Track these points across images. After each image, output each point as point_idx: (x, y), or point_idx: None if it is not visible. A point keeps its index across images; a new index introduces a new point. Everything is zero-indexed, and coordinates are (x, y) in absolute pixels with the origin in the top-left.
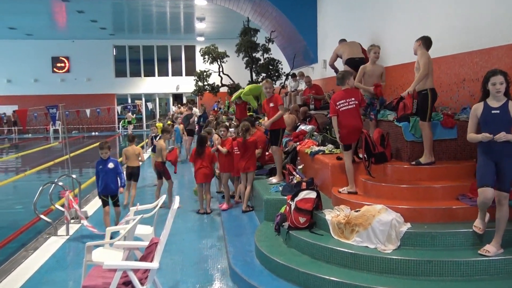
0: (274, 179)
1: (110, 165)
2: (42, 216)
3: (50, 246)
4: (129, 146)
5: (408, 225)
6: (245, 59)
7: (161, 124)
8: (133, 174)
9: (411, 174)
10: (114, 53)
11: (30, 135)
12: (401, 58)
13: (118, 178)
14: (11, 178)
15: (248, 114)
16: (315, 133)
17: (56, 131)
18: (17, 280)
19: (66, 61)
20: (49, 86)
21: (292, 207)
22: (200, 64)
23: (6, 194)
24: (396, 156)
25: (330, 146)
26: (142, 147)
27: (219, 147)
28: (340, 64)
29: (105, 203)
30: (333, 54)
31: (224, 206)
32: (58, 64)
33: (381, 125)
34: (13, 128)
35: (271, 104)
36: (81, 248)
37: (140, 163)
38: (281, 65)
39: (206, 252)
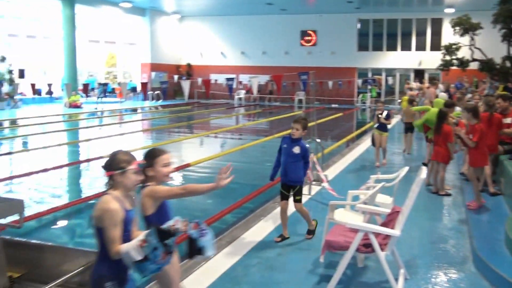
0: None
1: (296, 149)
2: None
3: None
4: None
5: None
6: (503, 31)
7: (406, 98)
8: None
9: None
10: (358, 27)
11: (278, 103)
12: None
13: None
14: (261, 139)
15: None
16: None
17: (300, 101)
18: (264, 228)
19: (313, 34)
20: (297, 59)
21: None
22: (447, 38)
23: (257, 151)
24: None
25: None
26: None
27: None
28: None
29: (283, 196)
30: None
31: (473, 204)
32: (306, 38)
33: None
34: (268, 96)
35: None
36: (320, 208)
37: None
38: None
39: (446, 232)
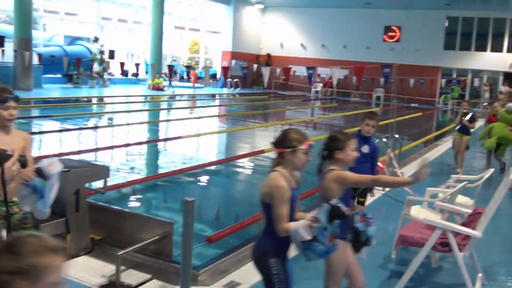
0: None
1: (364, 148)
2: None
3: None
4: None
5: None
6: None
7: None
8: None
9: None
10: (446, 25)
11: (355, 98)
12: None
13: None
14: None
15: None
16: None
17: (378, 98)
18: None
19: (397, 30)
20: (378, 54)
21: None
22: None
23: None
24: None
25: None
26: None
27: None
28: None
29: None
30: None
31: None
32: (390, 33)
33: None
34: (344, 90)
35: None
36: (394, 204)
37: None
38: None
39: None
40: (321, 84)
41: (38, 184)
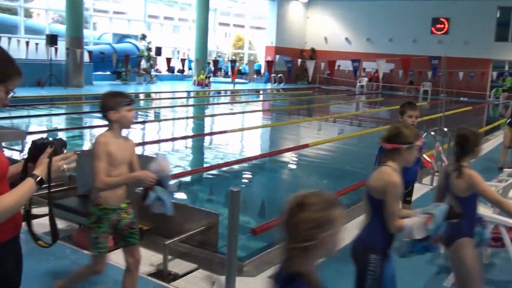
0: None
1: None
2: None
3: (414, 191)
4: None
5: None
6: None
7: None
8: None
9: None
10: (497, 15)
11: (401, 92)
12: None
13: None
14: (381, 127)
15: None
16: None
17: (425, 92)
18: None
19: (445, 22)
20: (426, 47)
21: None
22: None
23: (377, 139)
24: None
25: None
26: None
27: None
28: None
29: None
30: None
31: None
32: (438, 26)
33: None
34: (390, 85)
35: None
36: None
37: None
38: None
39: None
40: (366, 79)
41: (159, 192)
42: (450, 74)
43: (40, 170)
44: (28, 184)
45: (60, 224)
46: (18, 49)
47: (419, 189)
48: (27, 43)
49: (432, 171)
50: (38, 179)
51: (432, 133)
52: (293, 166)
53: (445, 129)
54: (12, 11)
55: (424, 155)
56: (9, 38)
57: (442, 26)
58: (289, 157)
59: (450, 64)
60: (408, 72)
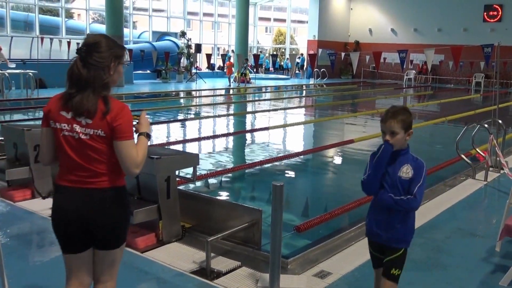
0: None
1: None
2: (463, 156)
3: (466, 187)
4: None
5: None
6: None
7: None
8: None
9: None
10: None
11: (452, 85)
12: None
13: None
14: (431, 121)
15: None
16: None
17: (478, 84)
18: (431, 209)
19: (499, 9)
20: (478, 36)
21: None
22: None
23: (426, 133)
24: None
25: None
26: None
27: None
28: None
29: None
30: None
31: None
32: (491, 13)
33: None
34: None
35: None
36: (497, 195)
37: None
38: None
39: None
40: (414, 71)
41: None
42: (505, 63)
43: (144, 127)
44: (144, 140)
45: None
46: (60, 49)
47: (472, 185)
48: (69, 43)
49: (486, 166)
50: (147, 133)
51: (486, 125)
52: (338, 162)
53: (500, 121)
54: (54, 12)
55: (477, 149)
56: (51, 39)
57: (495, 13)
58: (334, 154)
59: (504, 53)
60: (458, 63)
